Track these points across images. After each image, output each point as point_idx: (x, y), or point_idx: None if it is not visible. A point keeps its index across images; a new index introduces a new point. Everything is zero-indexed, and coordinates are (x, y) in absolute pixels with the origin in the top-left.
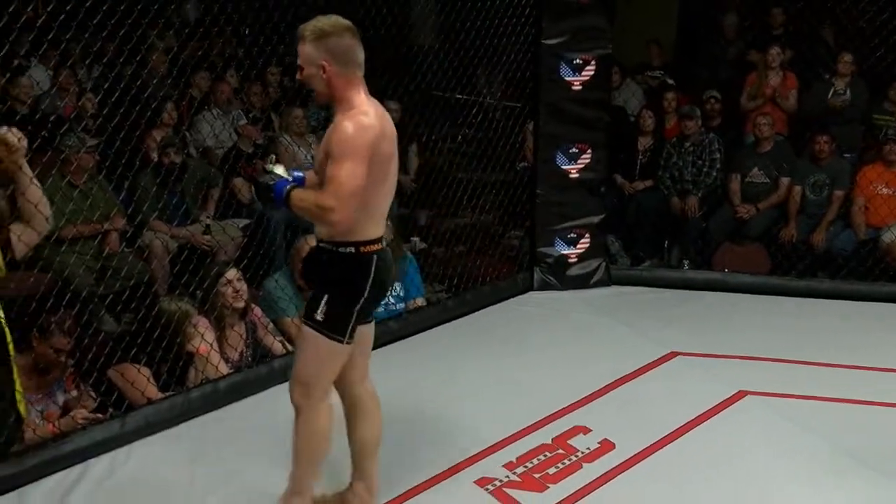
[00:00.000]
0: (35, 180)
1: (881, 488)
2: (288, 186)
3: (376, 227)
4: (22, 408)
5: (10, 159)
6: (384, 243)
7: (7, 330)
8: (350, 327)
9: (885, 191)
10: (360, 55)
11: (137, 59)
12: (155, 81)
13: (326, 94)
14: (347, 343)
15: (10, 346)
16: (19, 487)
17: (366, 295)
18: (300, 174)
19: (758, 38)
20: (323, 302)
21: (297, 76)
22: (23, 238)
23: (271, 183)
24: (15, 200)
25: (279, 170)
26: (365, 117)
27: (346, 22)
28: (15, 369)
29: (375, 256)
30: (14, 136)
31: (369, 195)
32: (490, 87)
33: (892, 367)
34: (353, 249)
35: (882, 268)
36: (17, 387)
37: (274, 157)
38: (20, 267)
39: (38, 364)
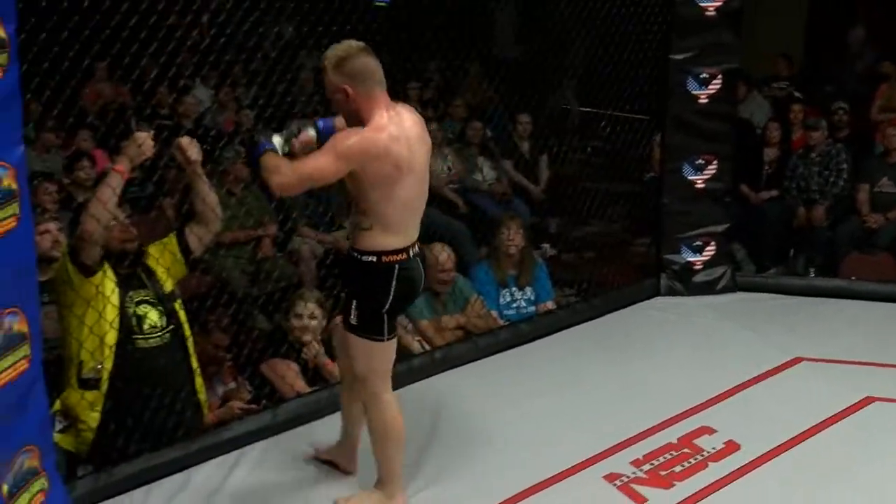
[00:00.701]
0: (210, 185)
1: None
2: (266, 148)
3: (396, 238)
4: (202, 397)
5: (190, 168)
6: (411, 254)
7: (186, 325)
8: (385, 326)
9: None
10: (379, 72)
11: (289, 77)
12: (304, 98)
13: (354, 114)
14: (389, 339)
15: (190, 341)
16: (186, 469)
17: (389, 301)
18: (329, 122)
19: (890, 49)
20: (353, 307)
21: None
22: (202, 239)
23: (257, 141)
24: (179, 208)
25: (276, 138)
26: (371, 132)
27: (360, 44)
28: (195, 361)
29: (397, 266)
30: (194, 146)
31: (382, 208)
32: (618, 100)
33: None
34: (374, 259)
35: None
36: (198, 377)
37: (296, 128)
38: (199, 265)
39: (200, 358)
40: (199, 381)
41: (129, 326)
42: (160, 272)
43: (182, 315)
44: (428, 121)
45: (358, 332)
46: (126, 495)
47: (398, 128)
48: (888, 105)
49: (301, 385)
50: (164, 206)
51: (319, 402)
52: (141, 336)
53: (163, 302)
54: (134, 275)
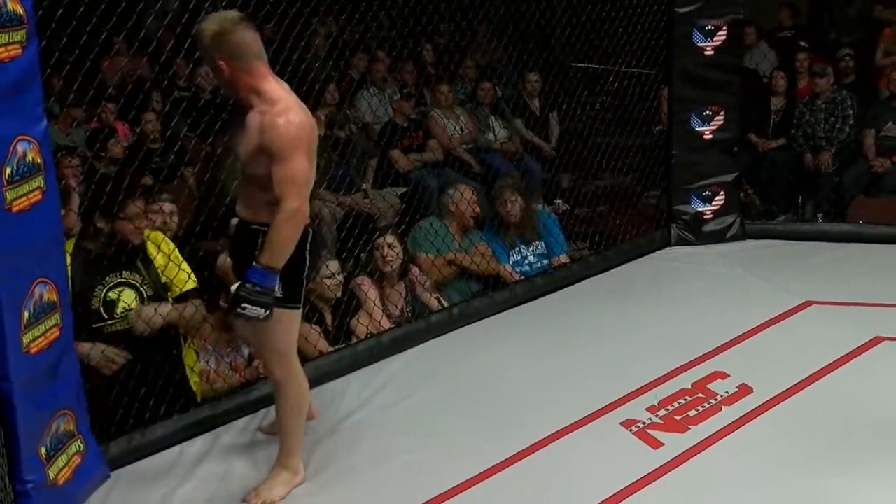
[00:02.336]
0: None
1: None
2: (254, 278)
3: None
4: (194, 385)
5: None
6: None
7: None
8: (302, 293)
9: None
10: (256, 44)
11: (302, 44)
12: (318, 64)
13: (233, 89)
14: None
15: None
16: (215, 428)
17: (307, 265)
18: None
19: None
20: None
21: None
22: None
23: (255, 289)
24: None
25: (234, 288)
26: (294, 115)
27: (235, 15)
28: (189, 352)
29: (311, 231)
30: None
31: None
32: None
33: None
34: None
35: None
36: (191, 363)
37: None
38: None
39: (227, 322)
40: (190, 358)
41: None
42: (160, 259)
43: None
44: (439, 82)
45: (283, 303)
46: (158, 455)
47: (291, 94)
48: (892, 50)
49: (323, 345)
50: (186, 176)
51: (342, 360)
52: (108, 322)
53: (155, 288)
54: (115, 258)
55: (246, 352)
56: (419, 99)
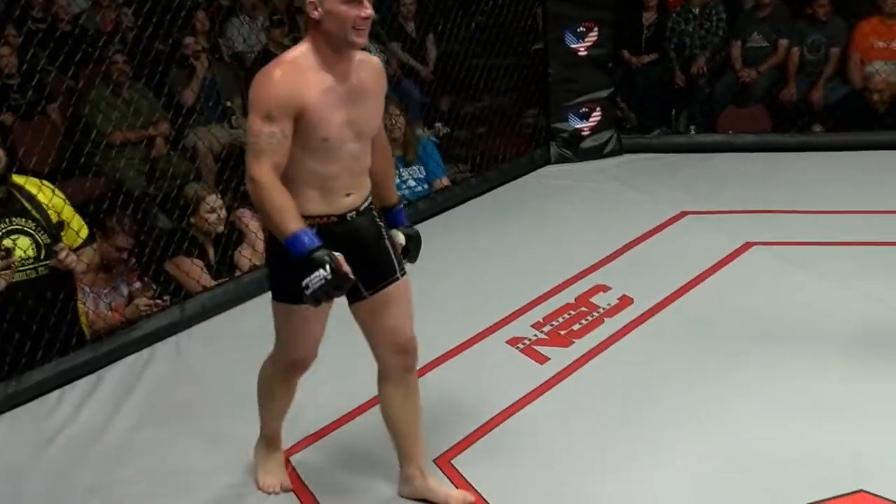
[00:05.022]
0: None
1: (889, 320)
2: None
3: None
4: (83, 325)
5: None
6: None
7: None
8: (292, 291)
9: (880, 44)
10: None
11: None
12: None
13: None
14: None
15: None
16: (97, 371)
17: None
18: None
19: None
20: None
21: (370, 12)
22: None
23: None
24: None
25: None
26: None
27: None
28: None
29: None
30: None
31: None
32: None
33: (886, 209)
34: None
35: (876, 116)
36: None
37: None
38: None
39: (104, 261)
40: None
41: None
42: (45, 199)
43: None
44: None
45: (275, 300)
46: (37, 401)
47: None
48: None
49: (206, 280)
50: (49, 112)
51: (226, 293)
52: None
53: (47, 230)
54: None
55: (125, 291)
56: (292, 26)
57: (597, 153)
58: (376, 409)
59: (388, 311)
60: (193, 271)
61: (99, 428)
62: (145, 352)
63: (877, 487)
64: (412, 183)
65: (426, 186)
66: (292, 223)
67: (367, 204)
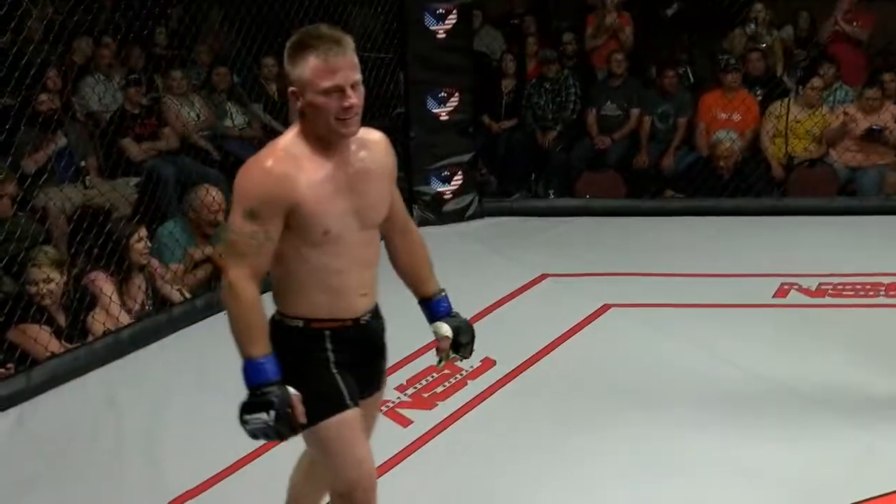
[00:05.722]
0: None
1: (739, 382)
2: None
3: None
4: None
5: None
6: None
7: None
8: (320, 409)
9: (722, 115)
10: None
11: (12, 25)
12: (31, 48)
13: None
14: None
15: None
16: None
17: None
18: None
19: None
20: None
21: (354, 101)
22: None
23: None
24: None
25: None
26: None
27: None
28: None
29: (327, 332)
30: None
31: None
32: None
33: (733, 272)
34: (300, 323)
35: (723, 184)
36: None
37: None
38: None
39: None
40: None
41: None
42: None
43: None
44: (170, 68)
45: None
46: None
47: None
48: (597, 34)
49: (55, 345)
50: None
51: (78, 359)
52: None
53: None
54: None
55: None
56: (150, 85)
57: (458, 216)
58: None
59: (363, 421)
60: (40, 337)
61: None
62: None
63: None
64: None
65: None
66: (256, 346)
67: (376, 304)
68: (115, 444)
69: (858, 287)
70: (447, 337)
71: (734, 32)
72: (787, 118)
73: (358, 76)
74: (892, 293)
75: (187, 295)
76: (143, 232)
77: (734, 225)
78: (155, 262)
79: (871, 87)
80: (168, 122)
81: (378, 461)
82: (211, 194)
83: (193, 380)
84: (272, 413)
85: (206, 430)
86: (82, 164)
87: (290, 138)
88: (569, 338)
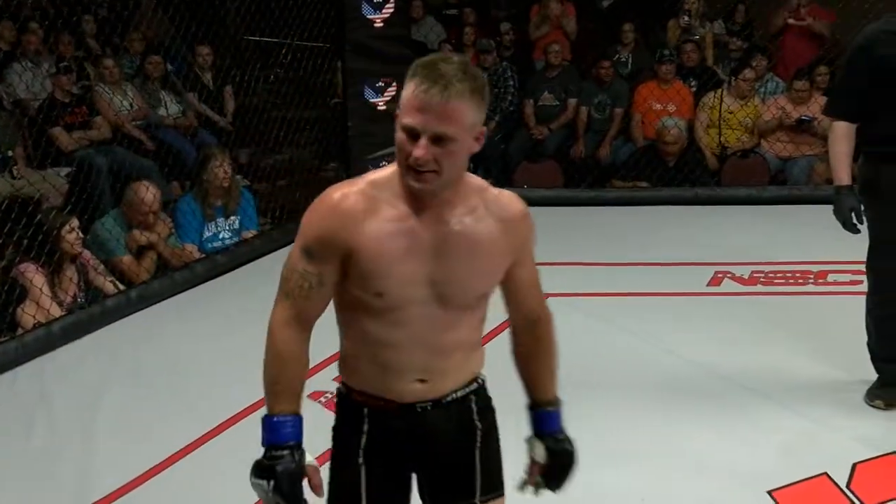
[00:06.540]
0: None
1: (676, 369)
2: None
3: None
4: None
5: None
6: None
7: None
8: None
9: (657, 106)
10: None
11: None
12: None
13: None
14: None
15: None
16: None
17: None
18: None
19: None
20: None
21: (420, 154)
22: None
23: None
24: None
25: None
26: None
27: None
28: None
29: (366, 409)
30: None
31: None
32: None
33: (672, 261)
34: (343, 388)
35: (659, 173)
36: None
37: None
38: None
39: None
40: None
41: None
42: None
43: None
44: (102, 56)
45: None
46: None
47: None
48: (540, 24)
49: None
50: None
51: (7, 353)
52: None
53: None
54: None
55: None
56: (80, 73)
57: None
58: None
59: None
60: None
61: None
62: None
63: None
64: (227, 234)
65: (237, 239)
66: (279, 401)
67: (460, 393)
68: (47, 440)
69: (789, 275)
70: (539, 462)
71: (669, 24)
72: (720, 109)
73: (446, 130)
74: (820, 281)
75: (121, 287)
76: (74, 222)
77: (670, 214)
78: (87, 254)
79: (799, 79)
80: (100, 111)
81: (318, 451)
82: (151, 192)
83: (127, 373)
84: (271, 483)
85: (139, 426)
86: (9, 153)
87: (385, 174)
88: (506, 328)
